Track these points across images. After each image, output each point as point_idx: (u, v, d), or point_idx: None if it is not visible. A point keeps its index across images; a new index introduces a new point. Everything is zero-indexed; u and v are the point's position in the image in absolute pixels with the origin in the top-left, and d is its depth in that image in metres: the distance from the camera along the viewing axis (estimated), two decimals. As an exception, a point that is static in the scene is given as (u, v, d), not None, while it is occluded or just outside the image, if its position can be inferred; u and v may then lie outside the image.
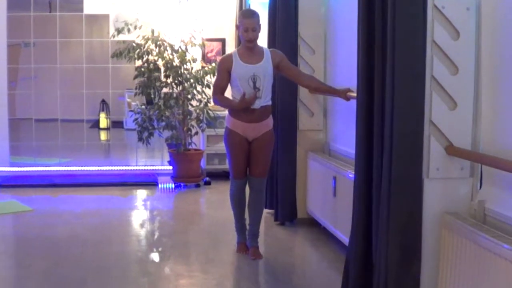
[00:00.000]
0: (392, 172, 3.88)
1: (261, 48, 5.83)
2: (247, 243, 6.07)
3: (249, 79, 5.68)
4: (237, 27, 5.91)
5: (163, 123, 9.32)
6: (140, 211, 8.33)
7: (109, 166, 10.49)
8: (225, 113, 8.91)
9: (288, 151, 7.04)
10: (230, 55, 5.84)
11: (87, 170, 10.11)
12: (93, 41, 12.78)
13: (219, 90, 5.87)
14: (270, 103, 5.85)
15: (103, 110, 16.37)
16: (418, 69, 3.79)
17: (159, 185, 9.48)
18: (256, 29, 5.66)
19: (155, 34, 9.29)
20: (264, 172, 5.96)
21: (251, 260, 5.86)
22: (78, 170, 10.11)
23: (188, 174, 9.31)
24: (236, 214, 6.11)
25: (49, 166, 10.23)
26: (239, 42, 9.08)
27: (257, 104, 5.71)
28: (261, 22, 5.74)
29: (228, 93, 5.91)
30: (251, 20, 5.65)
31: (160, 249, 6.39)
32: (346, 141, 6.21)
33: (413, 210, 3.86)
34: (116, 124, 15.08)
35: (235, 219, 6.14)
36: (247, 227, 6.10)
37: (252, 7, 9.38)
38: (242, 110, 5.73)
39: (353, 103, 5.02)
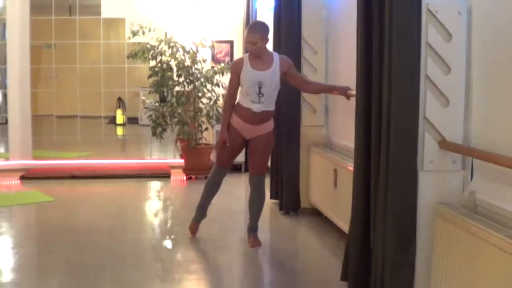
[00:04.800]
0: (389, 165, 3.88)
1: (271, 54, 5.79)
2: (247, 234, 6.03)
3: (255, 84, 5.65)
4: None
5: (176, 119, 9.34)
6: (153, 201, 8.35)
7: (125, 159, 10.52)
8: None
9: (292, 146, 7.05)
10: (242, 59, 5.82)
11: (104, 163, 10.13)
12: (110, 43, 12.81)
13: (230, 93, 5.88)
14: (272, 108, 5.80)
15: (119, 107, 16.39)
16: (413, 69, 3.79)
17: (172, 177, 9.49)
18: (257, 43, 5.61)
19: (168, 36, 9.32)
20: (259, 170, 5.91)
21: (256, 248, 5.85)
22: (96, 163, 10.14)
23: (199, 167, 9.31)
24: (203, 196, 6.20)
25: (69, 160, 10.26)
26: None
27: (258, 109, 5.68)
28: (268, 34, 5.72)
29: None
30: (250, 35, 5.65)
31: (172, 236, 6.40)
32: (346, 136, 6.20)
33: (408, 200, 3.86)
34: (132, 120, 15.09)
35: (201, 198, 6.22)
36: (248, 221, 6.10)
37: (258, 12, 9.39)
38: (244, 110, 5.72)
39: (352, 101, 5.02)
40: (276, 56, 5.82)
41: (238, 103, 5.82)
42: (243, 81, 5.70)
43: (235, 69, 5.79)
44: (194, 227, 6.20)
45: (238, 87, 5.80)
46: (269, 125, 5.84)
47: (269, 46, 6.25)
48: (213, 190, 6.16)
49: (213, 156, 9.52)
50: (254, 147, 5.84)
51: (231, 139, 5.81)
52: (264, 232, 6.22)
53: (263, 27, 5.76)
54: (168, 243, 6.21)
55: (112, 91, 12.43)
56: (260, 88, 5.65)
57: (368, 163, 4.30)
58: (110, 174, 9.52)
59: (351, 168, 5.10)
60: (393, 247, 3.90)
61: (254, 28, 5.71)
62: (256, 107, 5.68)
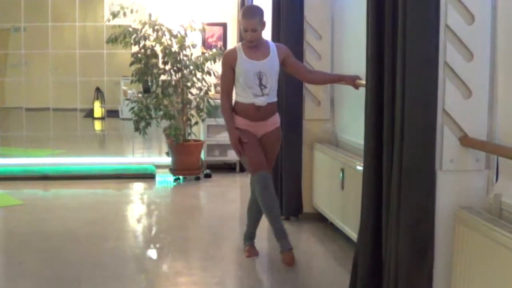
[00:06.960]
0: (403, 164, 3.89)
1: (266, 42, 5.79)
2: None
3: (255, 76, 5.62)
4: (239, 23, 5.87)
5: (161, 112, 9.33)
6: (136, 205, 8.35)
7: (104, 158, 10.52)
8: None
9: (293, 142, 7.04)
10: (234, 50, 5.78)
11: (81, 162, 10.11)
12: (87, 25, 12.81)
13: (225, 91, 5.78)
14: (276, 99, 5.81)
15: (97, 99, 16.41)
16: (430, 55, 3.79)
17: (157, 178, 9.49)
18: (257, 29, 5.60)
19: (153, 18, 9.30)
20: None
21: (252, 258, 5.85)
22: (72, 162, 10.12)
23: (188, 166, 9.31)
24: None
25: (40, 158, 10.25)
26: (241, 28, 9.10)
27: (263, 102, 5.65)
28: (264, 18, 5.71)
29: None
30: (250, 21, 5.60)
31: (158, 245, 6.41)
32: (355, 131, 6.21)
33: (425, 204, 3.86)
34: (112, 113, 15.09)
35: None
36: (244, 227, 6.09)
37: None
38: (247, 108, 5.68)
39: (362, 91, 5.03)
40: (271, 43, 5.87)
41: (236, 102, 5.77)
42: (239, 73, 5.67)
43: (228, 62, 5.74)
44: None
45: (233, 83, 5.75)
46: (277, 118, 5.88)
47: (267, 30, 6.26)
48: (271, 203, 5.69)
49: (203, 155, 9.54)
50: (266, 142, 5.79)
51: (246, 136, 5.68)
52: (261, 240, 6.22)
53: (260, 11, 5.76)
54: (152, 253, 6.21)
55: (89, 81, 12.45)
56: (260, 79, 5.62)
57: (380, 162, 4.30)
58: (87, 175, 9.51)
59: (360, 167, 5.11)
60: (408, 257, 3.91)
61: (252, 13, 5.67)
62: (260, 101, 5.64)
